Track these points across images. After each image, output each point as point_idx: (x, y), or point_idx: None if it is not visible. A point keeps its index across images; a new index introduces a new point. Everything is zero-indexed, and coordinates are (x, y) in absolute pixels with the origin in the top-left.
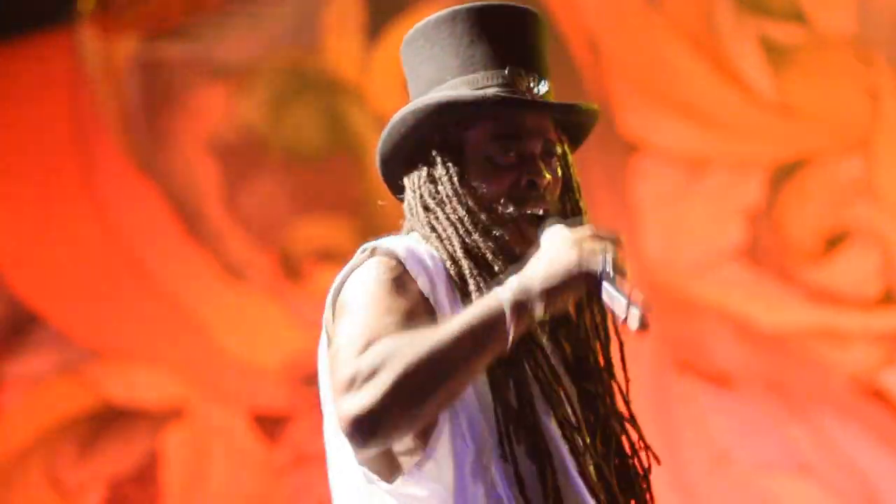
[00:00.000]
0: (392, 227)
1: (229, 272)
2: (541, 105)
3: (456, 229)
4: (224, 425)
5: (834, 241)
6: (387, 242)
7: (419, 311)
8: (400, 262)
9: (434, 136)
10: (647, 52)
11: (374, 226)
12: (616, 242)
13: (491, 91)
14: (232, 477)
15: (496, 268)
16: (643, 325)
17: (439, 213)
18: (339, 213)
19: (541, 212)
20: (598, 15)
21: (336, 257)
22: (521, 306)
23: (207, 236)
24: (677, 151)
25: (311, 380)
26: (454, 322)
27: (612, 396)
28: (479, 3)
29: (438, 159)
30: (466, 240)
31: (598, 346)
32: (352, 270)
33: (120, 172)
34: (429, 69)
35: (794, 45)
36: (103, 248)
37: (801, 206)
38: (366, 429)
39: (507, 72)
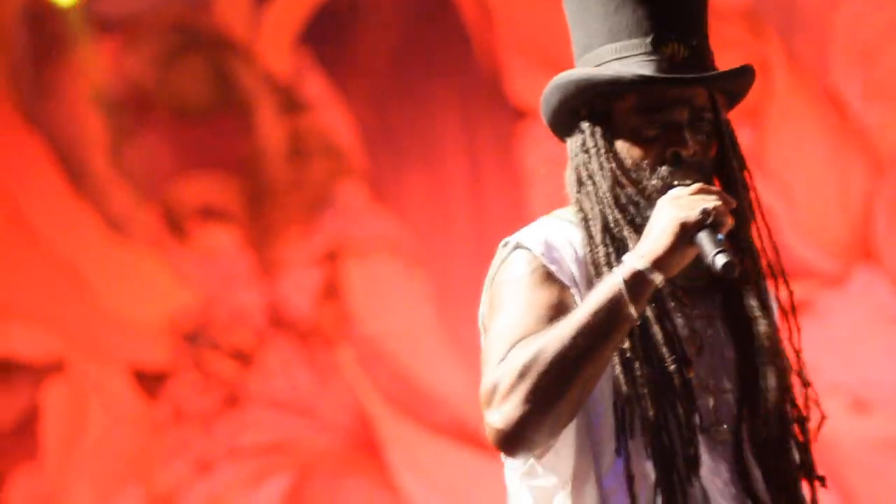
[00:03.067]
0: (276, 192)
1: (112, 227)
2: (677, 80)
3: (602, 209)
4: (103, 381)
5: None
6: (526, 235)
7: (560, 303)
8: (538, 256)
9: (582, 108)
10: (538, 17)
11: (259, 185)
12: (720, 196)
13: (633, 62)
14: (111, 432)
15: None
16: (727, 268)
17: (589, 189)
18: (224, 171)
19: (688, 182)
20: None
21: (220, 215)
22: (636, 282)
23: (91, 191)
24: None
25: (192, 337)
26: (578, 313)
27: (782, 385)
28: None
29: (587, 130)
30: (610, 221)
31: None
32: (496, 267)
33: (5, 123)
34: (580, 34)
35: None
36: None
37: None
38: (512, 440)
39: (650, 40)
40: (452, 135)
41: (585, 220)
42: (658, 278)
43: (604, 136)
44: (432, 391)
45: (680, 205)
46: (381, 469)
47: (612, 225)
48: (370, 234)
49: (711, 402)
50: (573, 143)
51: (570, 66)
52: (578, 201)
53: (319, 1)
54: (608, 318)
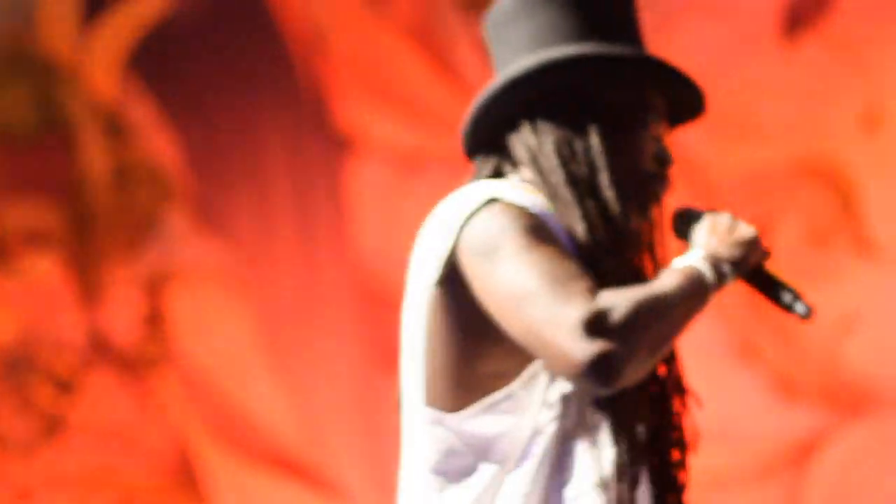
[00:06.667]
0: (100, 217)
1: None
2: (701, 95)
3: (599, 192)
4: None
5: None
6: (510, 193)
7: (575, 261)
8: (534, 214)
9: (587, 89)
10: (366, 46)
11: (83, 210)
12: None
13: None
14: None
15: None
16: (808, 315)
17: (573, 168)
18: (48, 196)
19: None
20: (321, 5)
21: (43, 240)
22: (718, 275)
23: None
24: (394, 146)
25: (13, 363)
26: (673, 287)
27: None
28: None
29: (591, 120)
30: (611, 206)
31: None
32: (474, 215)
33: None
34: (562, 23)
35: None
36: None
37: None
38: (613, 370)
39: (651, 54)
40: (279, 160)
41: (580, 197)
42: (731, 278)
43: (608, 124)
44: (255, 420)
45: (753, 231)
46: (202, 499)
47: (611, 210)
48: (195, 259)
49: None
50: (549, 124)
51: (400, 92)
52: (573, 192)
53: (146, 25)
54: (699, 299)
